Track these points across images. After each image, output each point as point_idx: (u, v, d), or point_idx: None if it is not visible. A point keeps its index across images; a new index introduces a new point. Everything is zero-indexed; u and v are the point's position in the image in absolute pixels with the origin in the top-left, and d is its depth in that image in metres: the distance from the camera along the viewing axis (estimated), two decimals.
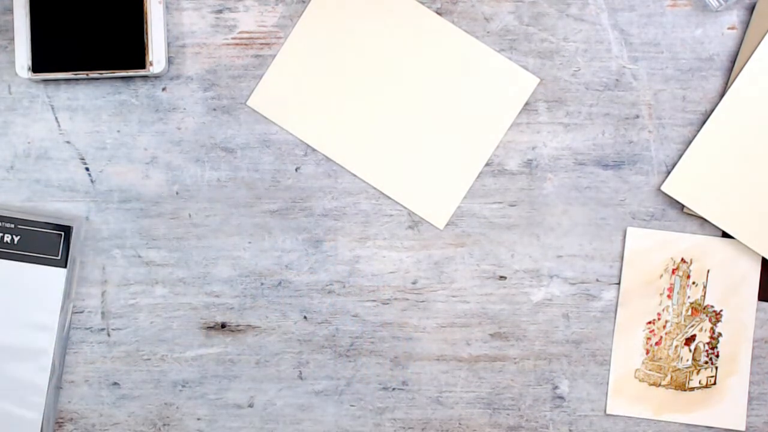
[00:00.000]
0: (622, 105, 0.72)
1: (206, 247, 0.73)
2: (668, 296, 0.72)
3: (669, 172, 0.72)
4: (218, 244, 0.73)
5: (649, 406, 0.72)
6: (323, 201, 0.72)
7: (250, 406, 0.73)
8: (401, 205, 0.72)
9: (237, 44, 0.73)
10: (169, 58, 0.72)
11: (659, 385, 0.72)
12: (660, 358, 0.72)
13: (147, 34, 0.70)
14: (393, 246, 0.72)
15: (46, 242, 0.71)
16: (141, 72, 0.70)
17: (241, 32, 0.73)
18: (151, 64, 0.70)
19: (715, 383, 0.72)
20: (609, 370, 0.72)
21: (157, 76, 0.72)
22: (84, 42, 0.70)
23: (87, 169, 0.73)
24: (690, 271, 0.72)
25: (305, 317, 0.73)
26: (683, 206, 0.72)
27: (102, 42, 0.70)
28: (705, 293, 0.72)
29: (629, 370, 0.72)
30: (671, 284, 0.72)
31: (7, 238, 0.70)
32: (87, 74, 0.70)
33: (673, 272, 0.72)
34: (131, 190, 0.73)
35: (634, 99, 0.72)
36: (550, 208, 0.73)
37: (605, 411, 0.73)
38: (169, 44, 0.72)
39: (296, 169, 0.72)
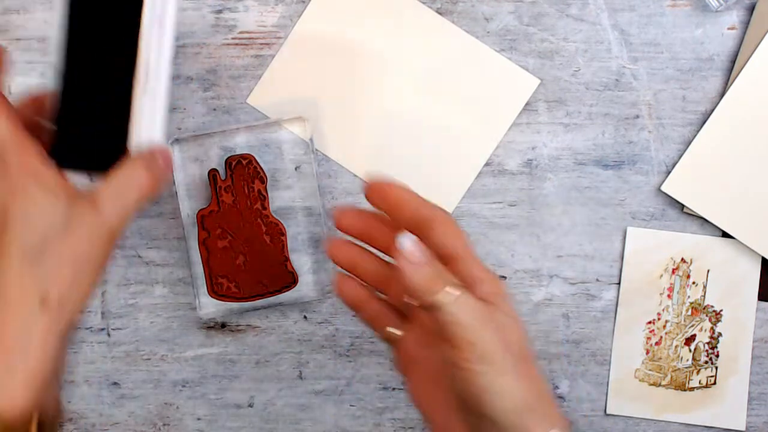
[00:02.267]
0: (622, 105, 0.72)
1: None
2: (668, 296, 0.72)
3: (669, 172, 0.72)
4: None
5: (649, 406, 0.72)
6: (323, 200, 0.72)
7: (250, 406, 0.73)
8: None
9: (237, 44, 0.73)
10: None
11: (659, 385, 0.72)
12: (660, 358, 0.72)
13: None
14: None
15: None
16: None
17: (241, 32, 0.73)
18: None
19: (715, 383, 0.72)
20: (609, 370, 0.72)
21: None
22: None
23: None
24: (690, 271, 0.72)
25: (305, 317, 0.73)
26: (683, 206, 0.72)
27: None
28: (705, 293, 0.72)
29: (629, 370, 0.72)
30: (671, 284, 0.72)
31: None
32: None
33: (673, 272, 0.72)
34: None
35: (634, 99, 0.72)
36: (550, 208, 0.73)
37: (605, 411, 0.73)
38: None
39: (296, 169, 0.72)
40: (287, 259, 0.70)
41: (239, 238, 0.69)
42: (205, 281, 0.70)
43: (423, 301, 0.47)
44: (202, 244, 0.70)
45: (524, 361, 0.49)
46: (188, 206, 0.70)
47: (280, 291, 0.70)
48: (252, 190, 0.69)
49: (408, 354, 0.54)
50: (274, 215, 0.70)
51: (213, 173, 0.69)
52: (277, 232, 0.70)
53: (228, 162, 0.69)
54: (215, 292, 0.70)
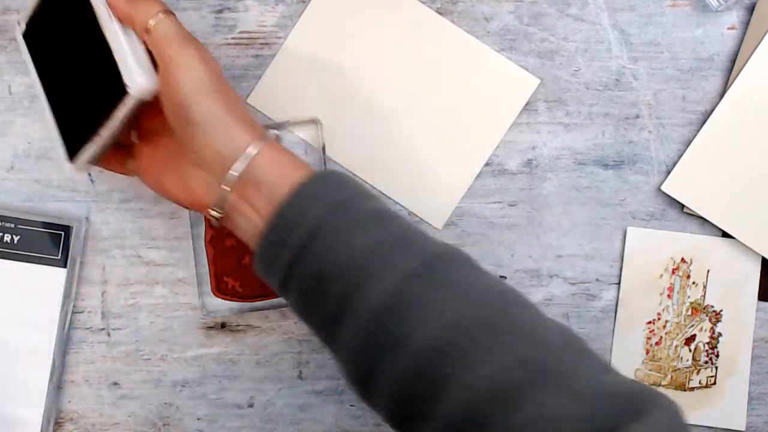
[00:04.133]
0: (622, 105, 0.72)
1: None
2: (668, 296, 0.72)
3: (669, 172, 0.72)
4: None
5: None
6: None
7: (250, 406, 0.73)
8: (401, 205, 0.72)
9: (237, 44, 0.73)
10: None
11: (659, 385, 0.72)
12: (660, 358, 0.72)
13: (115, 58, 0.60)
14: None
15: (46, 242, 0.71)
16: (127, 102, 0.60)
17: (241, 32, 0.73)
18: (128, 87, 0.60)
19: (715, 383, 0.72)
20: None
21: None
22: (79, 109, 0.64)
23: None
24: (690, 271, 0.72)
25: None
26: (683, 206, 0.72)
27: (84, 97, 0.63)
28: (705, 293, 0.72)
29: (629, 370, 0.72)
30: (671, 284, 0.72)
31: (7, 238, 0.70)
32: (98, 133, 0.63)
33: (673, 272, 0.72)
34: (131, 190, 0.73)
35: (634, 99, 0.72)
36: (550, 208, 0.73)
37: None
38: None
39: None
40: None
41: None
42: (209, 280, 0.70)
43: (140, 28, 0.60)
44: (209, 242, 0.70)
45: (224, 89, 0.59)
46: None
47: None
48: None
49: (145, 159, 0.64)
50: None
51: None
52: None
53: None
54: (220, 290, 0.70)
